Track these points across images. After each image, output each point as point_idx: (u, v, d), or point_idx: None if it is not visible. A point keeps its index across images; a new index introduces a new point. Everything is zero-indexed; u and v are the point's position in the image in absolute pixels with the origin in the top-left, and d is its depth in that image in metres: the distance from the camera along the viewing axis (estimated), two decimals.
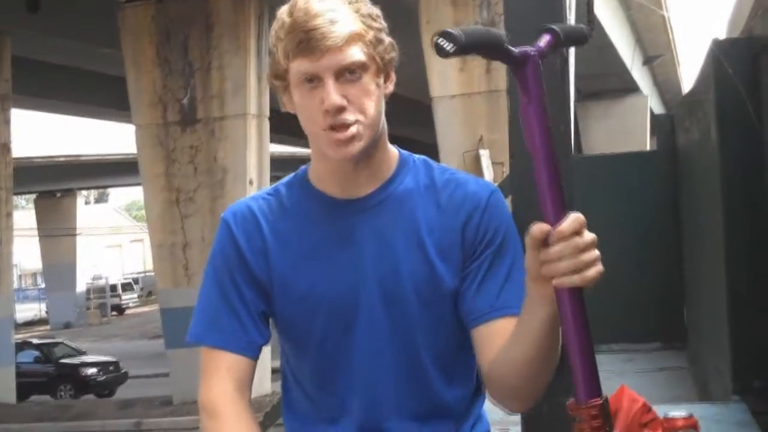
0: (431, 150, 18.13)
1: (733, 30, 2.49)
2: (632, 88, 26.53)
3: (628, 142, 24.02)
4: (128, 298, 44.64)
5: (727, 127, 3.24)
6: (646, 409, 2.54)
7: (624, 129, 25.70)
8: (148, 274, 44.32)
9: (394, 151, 1.79)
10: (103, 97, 22.63)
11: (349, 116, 1.63)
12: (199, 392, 1.74)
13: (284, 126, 12.08)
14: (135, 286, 46.37)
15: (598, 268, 1.38)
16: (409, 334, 1.73)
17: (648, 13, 22.99)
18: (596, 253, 1.38)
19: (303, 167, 1.83)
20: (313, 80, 1.63)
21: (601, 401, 1.34)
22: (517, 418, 2.75)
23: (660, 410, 2.54)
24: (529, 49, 1.37)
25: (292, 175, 1.85)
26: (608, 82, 25.37)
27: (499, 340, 1.65)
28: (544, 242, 1.38)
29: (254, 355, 1.76)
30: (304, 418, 1.82)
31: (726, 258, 3.31)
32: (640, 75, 26.61)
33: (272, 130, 16.66)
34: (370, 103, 1.66)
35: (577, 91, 23.35)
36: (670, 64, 28.74)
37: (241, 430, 1.69)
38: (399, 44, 1.72)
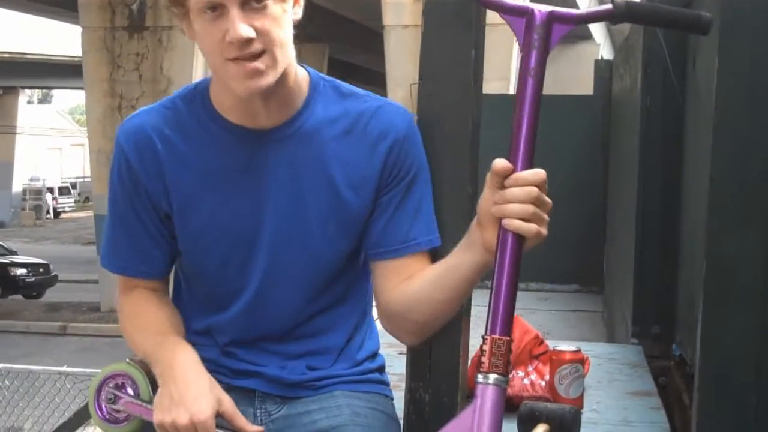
0: (380, 78, 18.00)
1: None
2: (585, 35, 26.59)
3: (577, 88, 24.14)
4: (64, 202, 44.12)
5: (651, 76, 3.28)
6: (539, 341, 2.59)
7: (574, 74, 25.80)
8: (86, 179, 43.77)
9: (304, 74, 1.68)
10: None
11: (257, 46, 1.51)
12: (119, 299, 1.78)
13: None
14: (72, 191, 45.82)
15: (544, 230, 1.38)
16: (310, 266, 1.69)
17: None
18: (547, 217, 1.39)
19: (203, 81, 1.71)
20: (216, 8, 1.50)
21: (509, 339, 1.38)
22: None
23: (552, 344, 2.61)
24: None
25: (190, 88, 1.72)
26: None
27: (403, 275, 1.64)
28: (500, 185, 1.38)
29: (162, 277, 1.77)
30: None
31: (637, 207, 3.39)
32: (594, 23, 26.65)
33: None
34: (278, 31, 1.54)
35: None
36: None
37: (165, 315, 1.72)
38: None
